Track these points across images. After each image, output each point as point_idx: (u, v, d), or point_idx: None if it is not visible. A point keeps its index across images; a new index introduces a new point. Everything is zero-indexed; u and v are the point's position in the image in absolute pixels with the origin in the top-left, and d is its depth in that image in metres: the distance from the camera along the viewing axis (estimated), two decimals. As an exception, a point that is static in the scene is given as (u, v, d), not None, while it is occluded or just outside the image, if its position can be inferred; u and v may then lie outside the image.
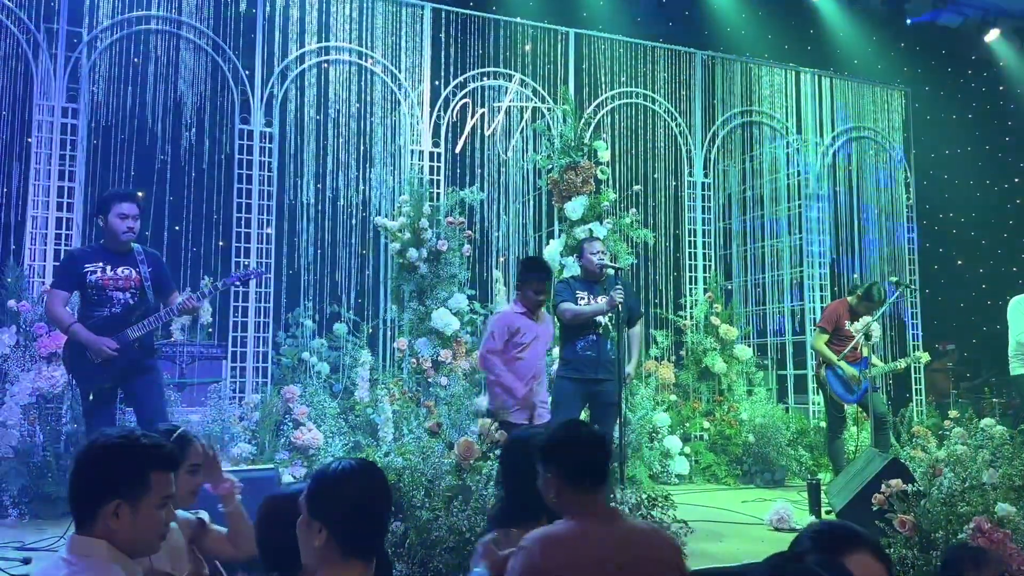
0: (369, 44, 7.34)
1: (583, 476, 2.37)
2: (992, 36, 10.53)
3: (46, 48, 6.26)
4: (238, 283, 4.77)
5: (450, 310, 6.77)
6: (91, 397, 4.40)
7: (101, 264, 4.46)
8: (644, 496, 4.24)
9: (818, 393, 8.03)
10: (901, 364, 7.04)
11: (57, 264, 6.07)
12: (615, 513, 2.44)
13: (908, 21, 10.35)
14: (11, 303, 5.60)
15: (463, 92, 7.65)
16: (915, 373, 8.99)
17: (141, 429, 2.01)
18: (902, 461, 4.86)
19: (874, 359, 6.63)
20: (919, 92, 10.13)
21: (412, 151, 7.42)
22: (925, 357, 7.15)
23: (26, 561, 4.00)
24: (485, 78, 7.78)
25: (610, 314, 5.10)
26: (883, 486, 4.37)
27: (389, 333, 7.24)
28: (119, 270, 4.48)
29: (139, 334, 4.42)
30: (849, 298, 6.60)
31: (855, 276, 9.05)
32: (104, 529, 1.83)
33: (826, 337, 6.48)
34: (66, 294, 4.48)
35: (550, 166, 7.42)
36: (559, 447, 2.45)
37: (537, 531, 2.33)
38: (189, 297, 4.55)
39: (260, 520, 2.33)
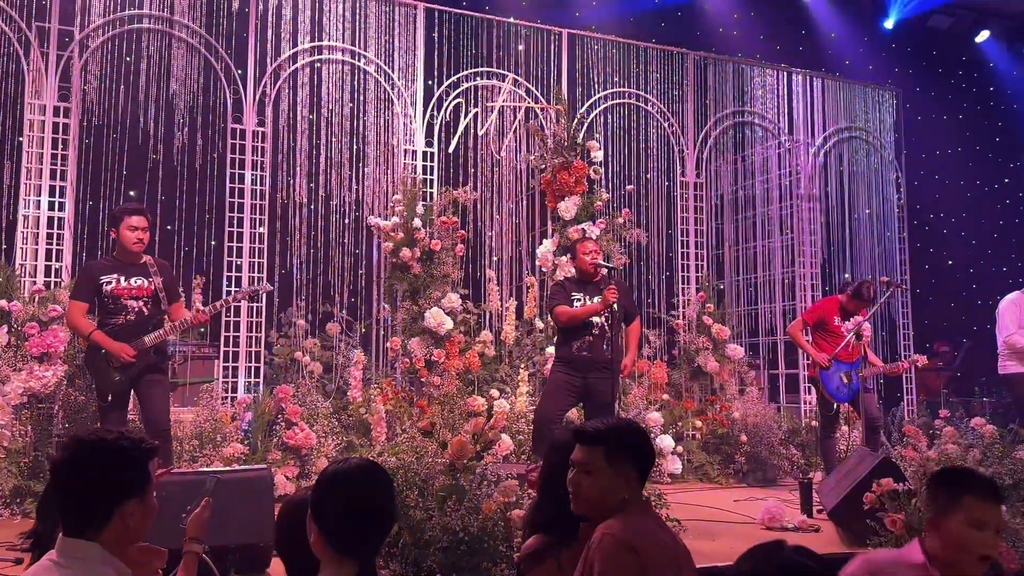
0: (362, 43, 7.32)
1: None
2: (982, 37, 10.60)
3: (37, 47, 6.23)
4: (246, 299, 5.03)
5: (443, 310, 6.77)
6: (109, 398, 4.75)
7: (115, 275, 4.81)
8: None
9: (810, 392, 8.06)
10: (901, 366, 7.03)
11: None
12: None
13: (887, 24, 10.43)
14: (2, 303, 5.57)
15: (456, 92, 7.64)
16: (906, 373, 9.03)
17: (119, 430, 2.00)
18: (893, 460, 4.89)
19: (872, 357, 6.65)
20: (910, 93, 10.17)
21: (405, 151, 7.41)
22: (922, 361, 7.04)
23: (18, 561, 3.98)
24: (478, 78, 7.78)
25: (605, 314, 5.10)
26: (874, 485, 4.40)
27: (382, 333, 7.23)
28: (132, 280, 4.83)
29: (155, 343, 4.77)
30: (840, 296, 6.64)
31: (846, 275, 9.08)
32: (119, 528, 1.83)
33: (801, 324, 6.63)
34: (85, 305, 4.82)
35: (543, 166, 7.41)
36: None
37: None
38: (200, 311, 4.99)
39: (278, 522, 2.39)
